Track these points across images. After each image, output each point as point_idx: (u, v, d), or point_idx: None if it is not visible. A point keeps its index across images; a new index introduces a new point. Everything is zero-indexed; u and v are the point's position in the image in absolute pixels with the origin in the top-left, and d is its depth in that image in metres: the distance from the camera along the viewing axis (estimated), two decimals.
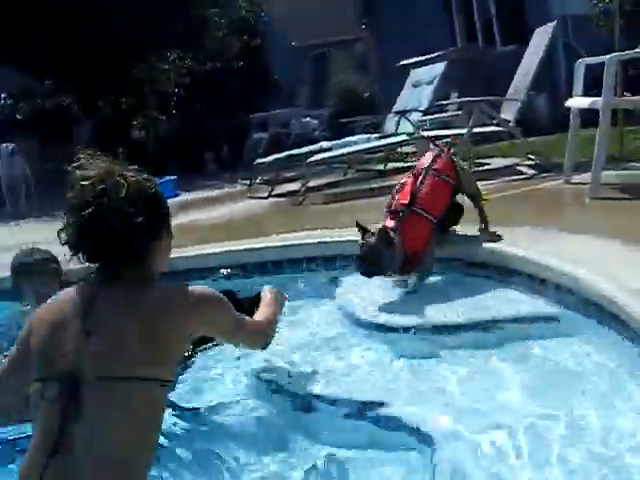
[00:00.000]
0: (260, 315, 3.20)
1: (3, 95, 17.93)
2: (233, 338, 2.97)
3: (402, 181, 4.90)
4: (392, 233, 4.47)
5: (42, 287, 4.27)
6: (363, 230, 4.54)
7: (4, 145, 13.89)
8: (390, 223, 4.59)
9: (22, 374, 2.40)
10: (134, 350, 2.29)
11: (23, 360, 2.42)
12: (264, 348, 3.24)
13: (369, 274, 4.56)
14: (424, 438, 3.02)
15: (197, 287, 2.54)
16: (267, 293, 3.47)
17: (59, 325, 2.35)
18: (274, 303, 3.39)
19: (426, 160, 4.89)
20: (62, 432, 2.17)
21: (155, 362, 2.32)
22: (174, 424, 3.44)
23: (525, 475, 2.66)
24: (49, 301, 2.50)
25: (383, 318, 4.33)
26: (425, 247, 4.62)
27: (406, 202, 4.64)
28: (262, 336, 3.12)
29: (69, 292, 2.46)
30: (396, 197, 4.75)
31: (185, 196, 11.85)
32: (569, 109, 7.01)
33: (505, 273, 4.63)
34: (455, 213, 4.96)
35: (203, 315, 2.50)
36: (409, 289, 4.69)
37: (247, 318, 2.99)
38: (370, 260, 4.45)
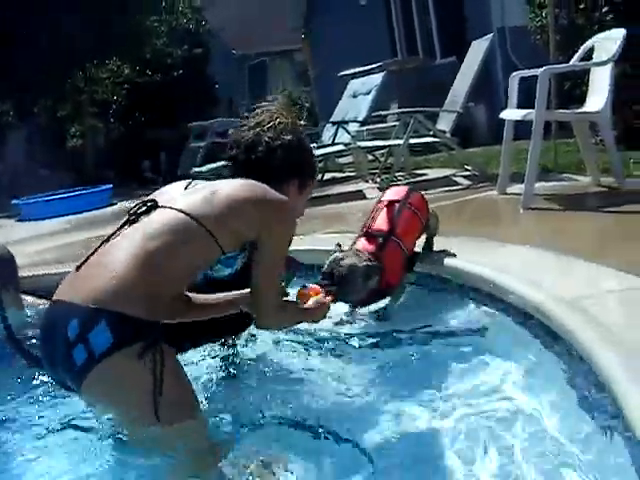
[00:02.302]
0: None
1: None
2: (265, 270, 2.83)
3: (375, 204, 4.69)
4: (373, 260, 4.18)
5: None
6: (339, 247, 4.27)
7: None
8: (369, 247, 4.31)
9: None
10: (200, 200, 2.70)
11: None
12: (260, 327, 3.18)
13: (342, 300, 4.14)
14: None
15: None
16: (312, 300, 3.21)
17: None
18: (310, 312, 3.17)
19: (398, 193, 4.69)
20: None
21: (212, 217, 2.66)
22: None
23: None
24: None
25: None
26: (399, 280, 4.41)
27: (386, 229, 4.41)
28: (278, 310, 2.97)
29: None
30: (374, 220, 4.51)
31: (122, 204, 11.69)
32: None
33: (439, 282, 4.62)
34: (413, 261, 4.61)
35: (267, 213, 2.76)
36: (380, 317, 4.44)
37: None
38: (342, 284, 3.98)
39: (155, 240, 2.56)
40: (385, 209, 4.56)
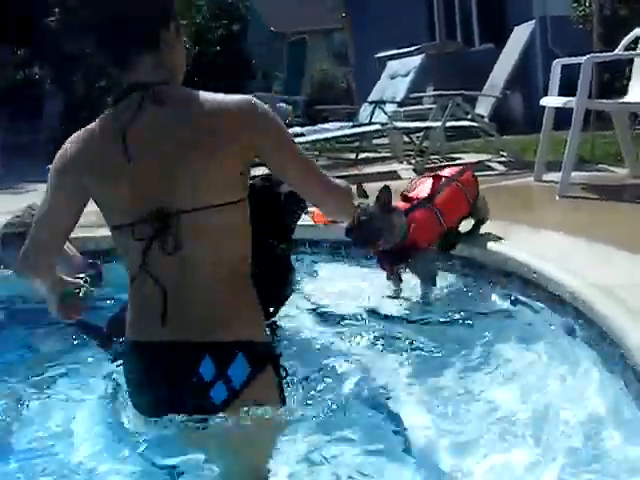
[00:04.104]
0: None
1: None
2: (305, 178, 2.50)
3: (424, 175, 4.77)
4: (401, 214, 4.28)
5: None
6: (363, 194, 4.31)
7: None
8: (402, 205, 4.40)
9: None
10: (201, 172, 2.25)
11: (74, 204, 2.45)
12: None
13: (361, 242, 4.31)
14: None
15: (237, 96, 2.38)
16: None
17: (111, 160, 2.30)
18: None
19: (451, 170, 4.77)
20: (160, 271, 2.29)
21: (224, 186, 2.30)
22: None
23: None
24: (80, 137, 2.40)
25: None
26: (426, 245, 4.40)
27: (425, 195, 4.46)
28: (348, 197, 2.66)
29: (101, 123, 2.38)
30: (415, 188, 4.57)
31: None
32: (544, 109, 7.02)
33: (476, 266, 4.65)
34: (453, 239, 4.67)
35: (264, 127, 2.36)
36: (421, 299, 4.44)
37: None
38: (362, 225, 4.13)
39: (220, 245, 2.29)
40: (432, 180, 4.60)
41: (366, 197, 4.30)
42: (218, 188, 2.25)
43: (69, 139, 2.39)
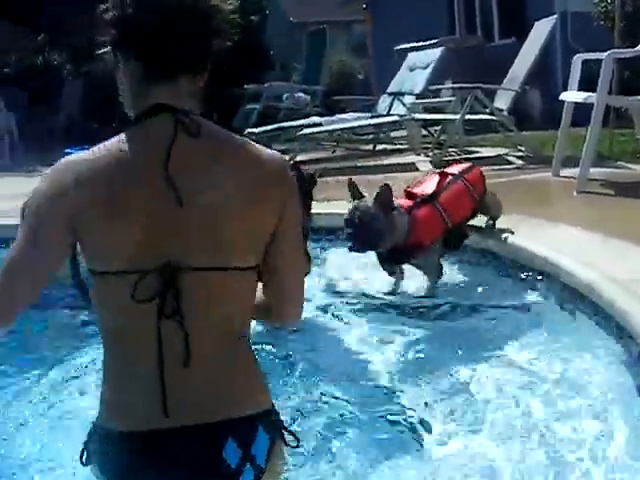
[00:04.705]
0: None
1: None
2: (294, 252, 2.01)
3: (431, 172, 4.76)
4: (403, 212, 4.22)
5: None
6: (358, 194, 4.22)
7: None
8: (405, 202, 4.34)
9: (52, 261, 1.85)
10: (236, 230, 1.81)
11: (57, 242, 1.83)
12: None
13: (360, 247, 4.19)
14: None
15: (278, 153, 1.97)
16: None
17: (129, 193, 1.77)
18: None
19: (458, 167, 4.73)
20: (162, 337, 1.78)
21: (254, 248, 1.87)
22: None
23: None
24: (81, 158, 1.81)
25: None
26: (429, 244, 4.34)
27: (430, 192, 4.40)
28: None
29: (113, 145, 1.80)
30: (420, 184, 4.54)
31: None
32: (562, 105, 7.00)
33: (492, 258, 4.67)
34: (459, 237, 4.61)
35: (289, 194, 1.93)
36: (426, 292, 4.39)
37: None
38: (361, 228, 4.07)
39: (228, 310, 1.89)
40: (437, 177, 4.57)
41: (361, 197, 4.19)
42: (244, 249, 1.85)
43: (60, 163, 1.83)
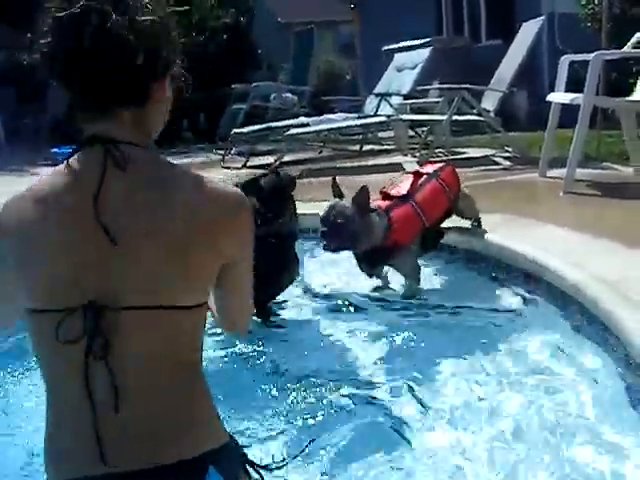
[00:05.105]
0: None
1: None
2: (247, 284, 1.96)
3: (404, 173, 4.75)
4: (381, 213, 4.19)
5: None
6: (339, 193, 4.19)
7: None
8: (382, 203, 4.32)
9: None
10: (174, 268, 1.70)
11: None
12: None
13: (335, 246, 4.15)
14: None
15: (230, 186, 1.84)
16: None
17: (58, 232, 1.71)
18: None
19: (432, 167, 4.70)
20: (90, 379, 1.67)
21: (193, 286, 1.74)
22: None
23: None
24: (19, 197, 1.76)
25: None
26: (406, 244, 4.30)
27: (404, 193, 4.38)
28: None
29: (49, 180, 1.74)
30: (394, 186, 4.50)
31: None
32: (549, 106, 7.01)
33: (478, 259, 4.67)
34: (435, 237, 4.60)
35: (240, 230, 1.82)
36: (405, 294, 4.40)
37: None
38: (336, 228, 4.04)
39: (165, 349, 1.76)
40: (412, 177, 4.55)
41: (341, 196, 4.17)
42: (184, 287, 1.72)
43: (5, 205, 1.77)
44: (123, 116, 1.75)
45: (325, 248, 4.16)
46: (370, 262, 4.34)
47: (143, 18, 1.69)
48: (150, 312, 1.68)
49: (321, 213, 4.12)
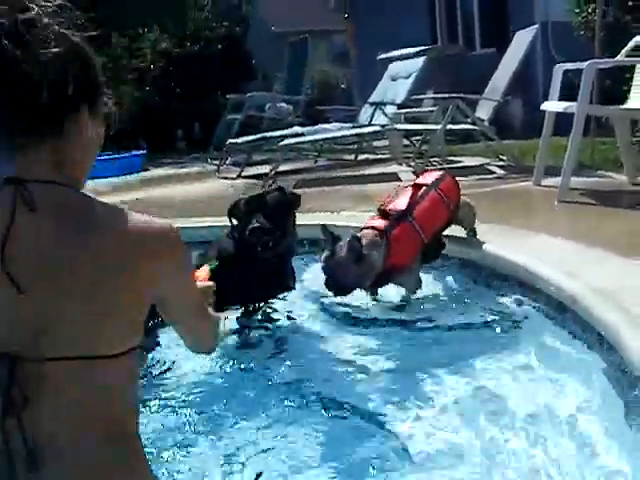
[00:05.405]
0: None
1: None
2: (190, 318, 1.91)
3: (400, 185, 4.66)
4: (377, 240, 4.12)
5: None
6: (331, 237, 4.11)
7: None
8: (380, 223, 4.22)
9: None
10: (86, 314, 1.57)
11: None
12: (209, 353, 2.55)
13: (342, 295, 4.19)
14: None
15: (156, 221, 1.70)
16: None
17: None
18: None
19: (431, 177, 4.61)
20: (6, 432, 1.55)
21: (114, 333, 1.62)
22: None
23: None
24: None
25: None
26: (408, 263, 4.28)
27: (403, 209, 4.28)
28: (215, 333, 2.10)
29: None
30: (392, 200, 4.40)
31: (153, 172, 11.88)
32: (543, 115, 7.03)
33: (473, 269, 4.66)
34: (436, 248, 4.56)
35: (162, 262, 1.69)
36: (400, 302, 4.39)
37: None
38: (336, 279, 4.06)
39: (88, 406, 1.63)
40: (410, 190, 4.46)
41: (334, 240, 4.08)
42: (106, 334, 1.60)
43: None
44: (40, 153, 1.63)
45: (333, 293, 4.19)
46: (373, 285, 4.32)
47: (47, 50, 1.56)
48: (70, 363, 1.56)
49: (321, 263, 4.12)
